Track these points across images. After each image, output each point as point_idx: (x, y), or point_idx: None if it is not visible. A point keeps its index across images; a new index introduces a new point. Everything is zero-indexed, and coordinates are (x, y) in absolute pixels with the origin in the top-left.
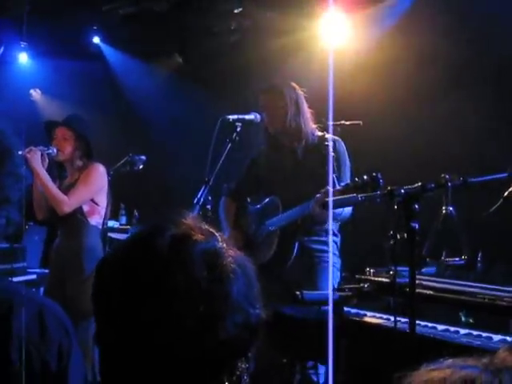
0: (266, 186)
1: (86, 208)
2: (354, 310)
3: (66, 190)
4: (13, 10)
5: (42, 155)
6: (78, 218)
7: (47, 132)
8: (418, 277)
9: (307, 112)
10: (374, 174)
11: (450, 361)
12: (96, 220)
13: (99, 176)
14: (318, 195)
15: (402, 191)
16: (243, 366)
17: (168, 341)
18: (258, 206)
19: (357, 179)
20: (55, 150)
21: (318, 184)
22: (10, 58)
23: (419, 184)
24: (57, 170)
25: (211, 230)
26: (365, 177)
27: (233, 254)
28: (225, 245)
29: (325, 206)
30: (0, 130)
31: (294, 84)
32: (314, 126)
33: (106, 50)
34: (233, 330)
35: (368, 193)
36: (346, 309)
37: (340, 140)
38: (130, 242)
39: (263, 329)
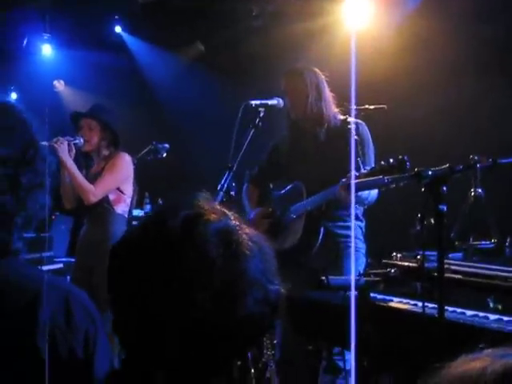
0: (288, 172)
1: (112, 197)
2: (380, 296)
3: (93, 180)
4: (35, 2)
5: (68, 145)
6: (104, 206)
7: (73, 123)
8: (446, 261)
9: (329, 96)
10: (400, 156)
11: (489, 350)
12: (122, 208)
13: (125, 165)
14: (343, 179)
15: (430, 173)
16: (269, 353)
17: (187, 321)
18: (282, 192)
19: (383, 162)
20: (82, 140)
21: (341, 168)
22: (33, 49)
23: (447, 165)
24: (84, 159)
25: (224, 209)
26: (391, 160)
27: (247, 232)
28: (238, 223)
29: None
30: (29, 120)
31: (315, 68)
32: (337, 109)
33: (128, 39)
34: (253, 306)
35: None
36: (372, 294)
37: (363, 123)
38: (143, 225)
39: (283, 304)
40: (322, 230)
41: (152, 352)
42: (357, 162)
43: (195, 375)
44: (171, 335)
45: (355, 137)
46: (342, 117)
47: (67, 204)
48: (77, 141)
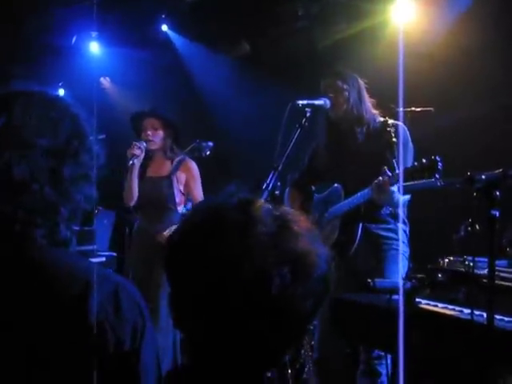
0: (328, 174)
1: (178, 199)
2: (424, 301)
3: (157, 179)
4: (84, 1)
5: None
6: (169, 207)
7: (134, 123)
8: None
9: (368, 100)
10: (432, 157)
11: None
12: (181, 209)
13: (198, 172)
14: (377, 180)
15: (483, 177)
16: (306, 354)
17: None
18: (322, 195)
19: (416, 163)
20: (145, 144)
21: (379, 169)
22: (81, 46)
23: (500, 170)
24: (146, 158)
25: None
26: (424, 160)
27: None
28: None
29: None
30: (76, 113)
31: (355, 74)
32: (376, 111)
33: (174, 37)
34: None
35: (425, 177)
36: (417, 299)
37: (402, 125)
38: (199, 214)
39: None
40: (359, 231)
41: (220, 349)
42: (392, 162)
43: (252, 369)
44: (238, 327)
45: (394, 139)
46: (381, 119)
47: (130, 201)
48: (145, 144)
